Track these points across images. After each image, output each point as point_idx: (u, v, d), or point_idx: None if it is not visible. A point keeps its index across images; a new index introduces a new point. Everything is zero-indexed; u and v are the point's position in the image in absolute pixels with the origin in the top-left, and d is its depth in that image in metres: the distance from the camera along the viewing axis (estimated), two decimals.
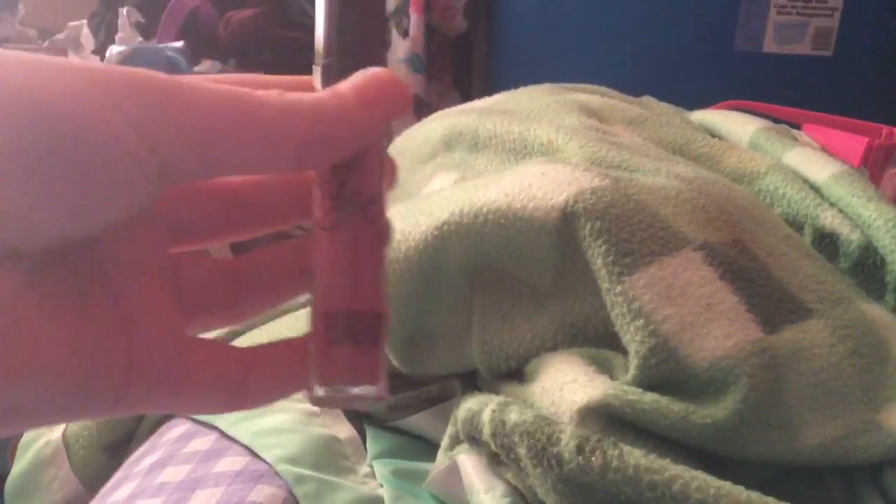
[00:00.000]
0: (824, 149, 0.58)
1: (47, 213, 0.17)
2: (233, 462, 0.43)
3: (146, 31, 1.52)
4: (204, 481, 0.42)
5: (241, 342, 0.52)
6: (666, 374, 0.35)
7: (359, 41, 0.22)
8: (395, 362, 0.45)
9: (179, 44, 1.36)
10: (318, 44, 0.23)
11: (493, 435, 0.35)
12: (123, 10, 1.39)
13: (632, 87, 0.69)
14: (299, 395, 0.22)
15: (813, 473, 0.37)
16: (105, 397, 0.19)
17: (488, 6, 1.34)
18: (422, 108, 1.30)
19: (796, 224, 0.46)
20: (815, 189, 0.48)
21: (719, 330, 0.35)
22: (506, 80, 0.72)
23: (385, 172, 0.22)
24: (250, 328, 0.56)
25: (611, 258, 0.37)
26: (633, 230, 0.37)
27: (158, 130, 0.18)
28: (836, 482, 0.37)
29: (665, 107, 0.67)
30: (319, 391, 0.21)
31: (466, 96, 1.39)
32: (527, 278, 0.41)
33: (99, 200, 0.18)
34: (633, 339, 0.36)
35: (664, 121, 0.57)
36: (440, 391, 0.46)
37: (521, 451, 0.33)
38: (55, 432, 0.57)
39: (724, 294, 0.37)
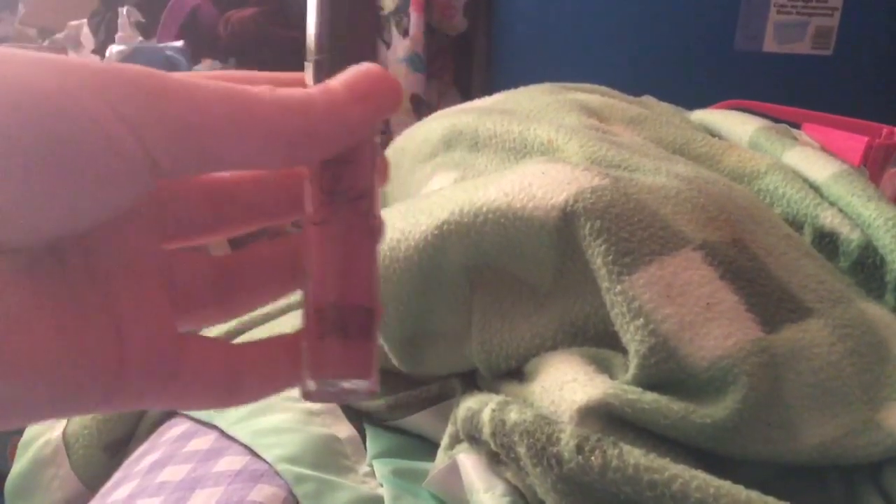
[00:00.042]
0: (824, 148, 0.58)
1: (39, 208, 0.17)
2: (233, 461, 0.43)
3: (146, 30, 1.52)
4: (204, 481, 0.42)
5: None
6: (666, 373, 0.35)
7: (350, 37, 0.22)
8: (395, 362, 0.45)
9: (179, 43, 1.36)
10: (310, 40, 0.23)
11: (493, 434, 0.35)
12: (123, 10, 1.39)
13: (632, 86, 0.69)
14: (300, 395, 0.22)
15: (812, 473, 0.37)
16: (96, 393, 0.19)
17: (488, 5, 1.34)
18: (422, 108, 1.30)
19: (796, 223, 0.46)
20: (814, 188, 0.48)
21: (719, 329, 0.35)
22: (506, 80, 0.72)
23: (377, 168, 0.22)
24: (250, 328, 0.56)
25: (611, 257, 0.37)
26: (633, 229, 0.37)
27: (150, 126, 0.18)
28: (835, 481, 0.37)
29: (665, 106, 0.67)
30: (311, 385, 0.21)
31: (466, 95, 1.39)
32: (527, 278, 0.41)
33: (90, 195, 0.18)
34: (632, 338, 0.36)
35: (664, 120, 0.57)
36: (440, 390, 0.46)
37: (521, 450, 0.33)
38: (55, 431, 0.57)
39: (724, 293, 0.37)
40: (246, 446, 0.44)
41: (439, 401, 0.46)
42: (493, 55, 1.35)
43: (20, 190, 0.17)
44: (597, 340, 0.39)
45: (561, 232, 0.39)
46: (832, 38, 1.11)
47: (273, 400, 0.47)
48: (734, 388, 0.34)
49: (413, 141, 0.59)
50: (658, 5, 1.16)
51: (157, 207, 0.22)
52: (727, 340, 0.35)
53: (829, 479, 0.37)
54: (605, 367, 0.37)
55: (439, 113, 0.61)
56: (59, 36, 1.69)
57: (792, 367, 0.35)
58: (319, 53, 0.22)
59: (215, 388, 0.22)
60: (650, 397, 0.34)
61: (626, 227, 0.37)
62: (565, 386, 0.36)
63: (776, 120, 0.60)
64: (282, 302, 0.56)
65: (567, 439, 0.32)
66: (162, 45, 1.36)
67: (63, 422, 0.57)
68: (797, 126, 0.68)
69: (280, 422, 0.46)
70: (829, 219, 0.45)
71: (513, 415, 0.34)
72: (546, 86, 0.64)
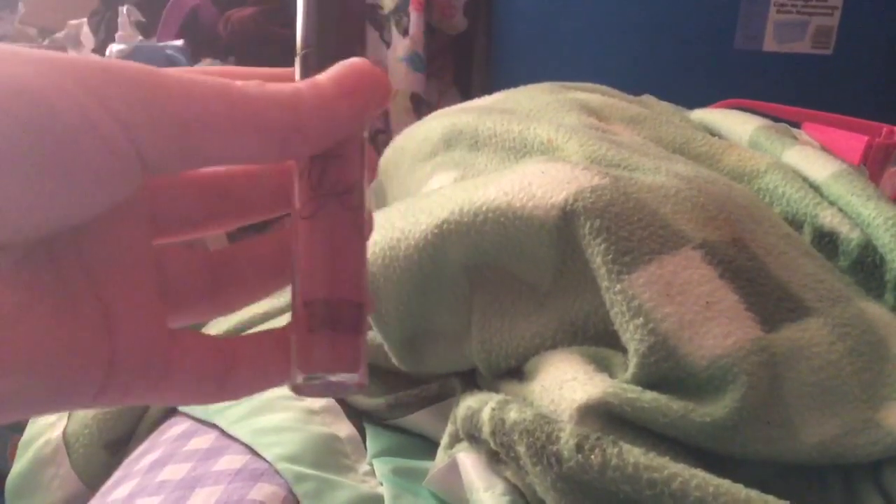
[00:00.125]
0: (824, 147, 0.58)
1: (30, 205, 0.17)
2: (233, 460, 0.43)
3: (146, 29, 1.51)
4: (204, 480, 0.42)
5: None
6: (665, 372, 0.35)
7: (338, 32, 0.22)
8: (395, 361, 0.45)
9: (179, 42, 1.36)
10: (297, 35, 0.23)
11: (493, 433, 0.35)
12: (123, 9, 1.38)
13: (632, 85, 0.69)
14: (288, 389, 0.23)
15: (812, 472, 0.37)
16: (87, 388, 0.20)
17: (488, 5, 1.34)
18: (422, 107, 1.30)
19: (796, 223, 0.46)
20: (814, 188, 0.48)
21: (718, 328, 0.35)
22: (506, 79, 0.72)
23: (366, 163, 0.22)
24: (250, 327, 0.56)
25: (610, 256, 0.37)
26: (633, 229, 0.37)
27: (139, 120, 0.18)
28: (835, 480, 0.37)
29: (665, 105, 0.67)
30: (299, 379, 0.21)
31: (466, 95, 1.39)
32: (526, 277, 0.41)
33: (81, 192, 0.18)
34: (632, 337, 0.36)
35: (664, 119, 0.57)
36: (440, 390, 0.46)
37: (521, 449, 0.33)
38: (55, 431, 0.57)
39: (724, 293, 0.37)
40: (246, 445, 0.44)
41: (439, 400, 0.46)
42: (493, 55, 1.35)
43: (10, 186, 0.17)
44: (596, 339, 0.39)
45: (561, 231, 0.39)
46: (832, 37, 1.11)
47: (273, 399, 0.48)
48: (733, 386, 0.34)
49: (413, 140, 0.59)
50: (658, 5, 1.16)
51: (148, 203, 0.22)
52: (727, 339, 0.35)
53: (829, 478, 0.37)
54: (604, 366, 0.37)
55: (439, 112, 0.61)
56: (59, 35, 1.69)
57: (791, 367, 0.35)
58: (306, 48, 0.22)
59: (207, 383, 0.22)
60: (650, 396, 0.34)
61: (626, 227, 0.37)
62: (565, 385, 0.36)
63: (776, 119, 0.61)
64: (280, 300, 0.56)
65: (567, 438, 0.32)
66: (162, 44, 1.36)
67: (63, 421, 0.57)
68: (797, 125, 0.68)
69: (280, 421, 0.46)
70: (828, 218, 0.45)
71: (512, 414, 0.34)
72: (546, 85, 0.64)
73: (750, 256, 0.39)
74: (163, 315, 0.22)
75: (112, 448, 0.56)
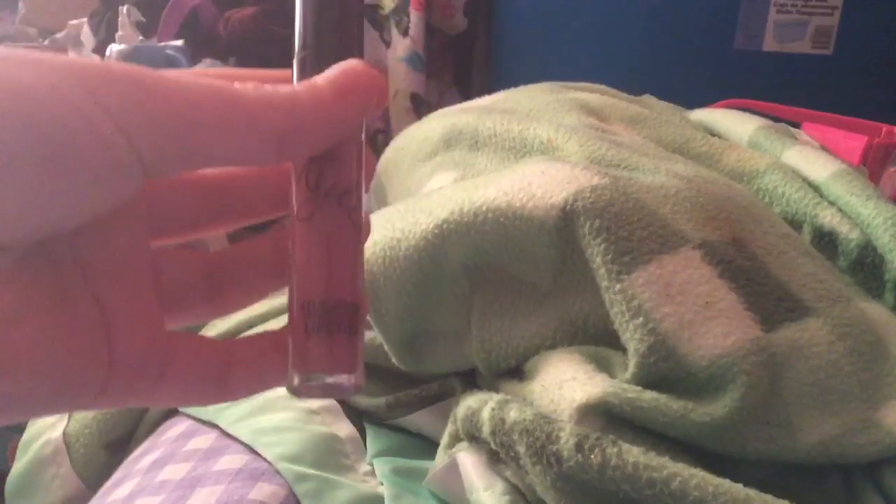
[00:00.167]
0: (824, 147, 0.58)
1: (27, 207, 0.17)
2: (233, 460, 0.43)
3: (146, 29, 1.51)
4: (204, 479, 0.42)
5: None
6: (665, 372, 0.35)
7: (335, 33, 0.22)
8: (395, 361, 0.45)
9: (179, 42, 1.36)
10: (296, 37, 0.23)
11: (493, 433, 0.35)
12: (124, 9, 1.38)
13: (632, 85, 0.69)
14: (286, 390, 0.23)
15: (811, 471, 0.37)
16: (86, 390, 0.20)
17: (488, 5, 1.34)
18: (422, 107, 1.30)
19: (795, 222, 0.46)
20: (814, 188, 0.48)
21: (718, 328, 0.35)
22: (506, 79, 0.72)
23: (363, 165, 0.22)
24: (248, 328, 0.56)
25: (610, 256, 0.37)
26: (633, 228, 0.37)
27: (137, 122, 0.18)
28: (834, 480, 0.37)
29: (665, 105, 0.67)
30: (296, 380, 0.21)
31: (466, 95, 1.39)
32: (526, 277, 0.41)
33: (79, 194, 0.18)
34: (632, 337, 0.36)
35: (664, 119, 0.57)
36: (440, 389, 0.46)
37: (521, 448, 0.33)
38: (55, 431, 0.57)
39: (723, 292, 0.37)
40: (246, 445, 0.44)
41: (439, 400, 0.46)
42: (493, 54, 1.35)
43: (9, 188, 0.17)
44: (596, 339, 0.39)
45: (560, 231, 0.39)
46: (832, 37, 1.11)
47: (273, 399, 0.48)
48: (733, 386, 0.34)
49: (413, 140, 0.59)
50: (658, 4, 1.16)
51: (146, 204, 0.22)
52: (726, 339, 0.35)
53: (828, 478, 0.37)
54: (604, 366, 0.37)
55: (439, 112, 0.61)
56: (59, 35, 1.69)
57: (791, 366, 0.36)
58: (304, 50, 0.22)
59: (205, 384, 0.22)
60: (649, 396, 0.34)
61: (626, 226, 0.37)
62: (565, 384, 0.36)
63: (776, 119, 0.61)
64: (277, 302, 0.56)
65: (566, 438, 0.32)
66: (162, 44, 1.36)
67: (63, 421, 0.57)
68: (797, 125, 0.68)
69: (280, 421, 0.46)
70: (828, 218, 0.45)
71: (512, 413, 0.34)
72: (546, 85, 0.64)
73: (749, 256, 0.39)
74: (160, 316, 0.22)
75: (112, 448, 0.56)
